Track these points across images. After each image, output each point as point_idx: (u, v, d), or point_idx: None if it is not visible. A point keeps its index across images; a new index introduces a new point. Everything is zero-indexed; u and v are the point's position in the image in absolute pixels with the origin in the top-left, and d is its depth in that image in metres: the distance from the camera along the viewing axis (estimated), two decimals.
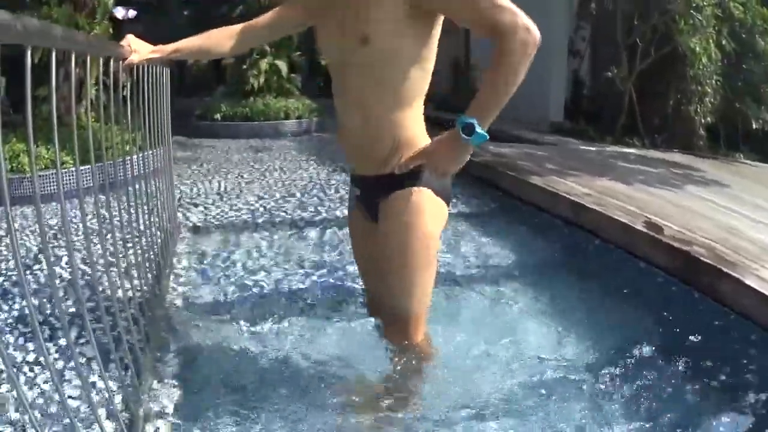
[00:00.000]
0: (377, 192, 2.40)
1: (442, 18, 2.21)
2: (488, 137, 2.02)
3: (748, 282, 3.34)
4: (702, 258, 3.66)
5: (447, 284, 3.83)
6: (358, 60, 2.21)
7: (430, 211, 2.33)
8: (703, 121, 10.49)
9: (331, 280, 3.91)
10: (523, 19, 1.92)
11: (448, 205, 2.44)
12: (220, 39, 2.66)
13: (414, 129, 2.33)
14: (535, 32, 1.92)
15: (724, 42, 10.28)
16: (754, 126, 10.58)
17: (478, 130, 1.99)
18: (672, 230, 4.22)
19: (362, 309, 3.42)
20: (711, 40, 10.12)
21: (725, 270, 3.49)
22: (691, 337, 3.15)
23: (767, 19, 10.43)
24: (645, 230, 4.20)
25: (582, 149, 9.02)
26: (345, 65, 2.30)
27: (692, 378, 2.86)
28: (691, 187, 6.57)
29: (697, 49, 9.89)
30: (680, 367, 2.91)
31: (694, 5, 9.72)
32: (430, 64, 2.28)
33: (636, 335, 3.23)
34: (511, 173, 6.03)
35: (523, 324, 3.36)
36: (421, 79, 2.28)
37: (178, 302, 3.56)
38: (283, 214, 5.38)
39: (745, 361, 2.94)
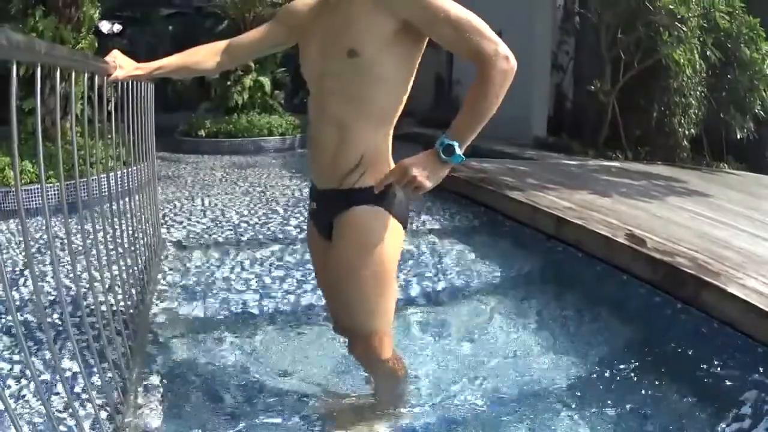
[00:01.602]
0: (333, 207, 2.35)
1: (426, 40, 2.22)
2: (465, 159, 2.05)
3: (731, 291, 3.36)
4: (685, 269, 3.68)
5: (429, 299, 3.86)
6: (342, 72, 2.20)
7: (384, 231, 2.29)
8: (687, 132, 10.52)
9: (315, 297, 3.89)
10: (503, 48, 1.98)
11: (405, 228, 2.39)
12: (205, 56, 2.64)
13: (381, 146, 2.31)
14: (513, 61, 1.99)
15: (708, 53, 10.29)
16: (738, 136, 10.57)
17: (458, 151, 2.02)
18: (654, 242, 4.24)
19: None
20: (696, 51, 10.14)
21: (708, 280, 3.51)
22: (676, 347, 3.17)
23: (753, 28, 10.39)
24: (627, 243, 4.21)
25: (564, 163, 9.03)
26: (326, 77, 2.27)
27: (677, 387, 2.89)
28: (673, 198, 6.61)
29: (681, 60, 9.91)
30: (665, 377, 2.94)
31: (679, 17, 9.73)
32: (409, 85, 2.28)
33: (620, 346, 3.26)
34: (492, 188, 6.01)
35: (507, 338, 3.38)
36: (398, 98, 2.28)
37: (162, 318, 3.55)
38: (267, 230, 5.37)
39: (729, 370, 2.96)
